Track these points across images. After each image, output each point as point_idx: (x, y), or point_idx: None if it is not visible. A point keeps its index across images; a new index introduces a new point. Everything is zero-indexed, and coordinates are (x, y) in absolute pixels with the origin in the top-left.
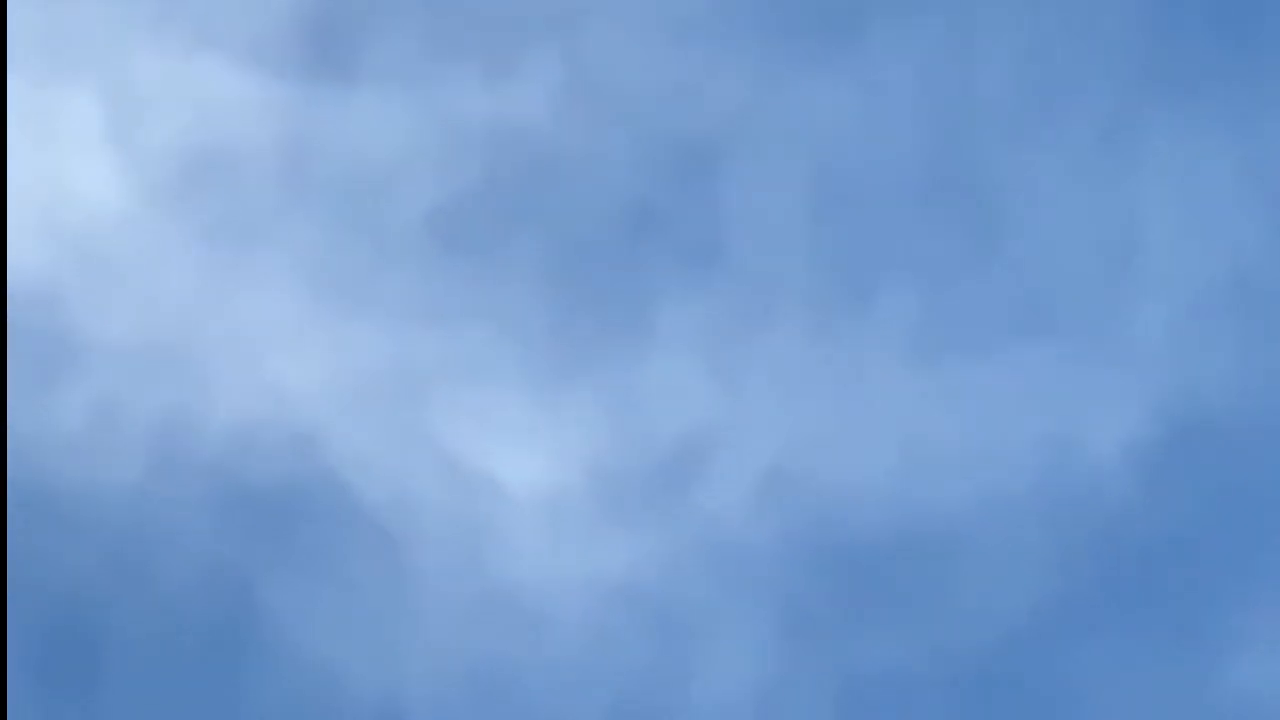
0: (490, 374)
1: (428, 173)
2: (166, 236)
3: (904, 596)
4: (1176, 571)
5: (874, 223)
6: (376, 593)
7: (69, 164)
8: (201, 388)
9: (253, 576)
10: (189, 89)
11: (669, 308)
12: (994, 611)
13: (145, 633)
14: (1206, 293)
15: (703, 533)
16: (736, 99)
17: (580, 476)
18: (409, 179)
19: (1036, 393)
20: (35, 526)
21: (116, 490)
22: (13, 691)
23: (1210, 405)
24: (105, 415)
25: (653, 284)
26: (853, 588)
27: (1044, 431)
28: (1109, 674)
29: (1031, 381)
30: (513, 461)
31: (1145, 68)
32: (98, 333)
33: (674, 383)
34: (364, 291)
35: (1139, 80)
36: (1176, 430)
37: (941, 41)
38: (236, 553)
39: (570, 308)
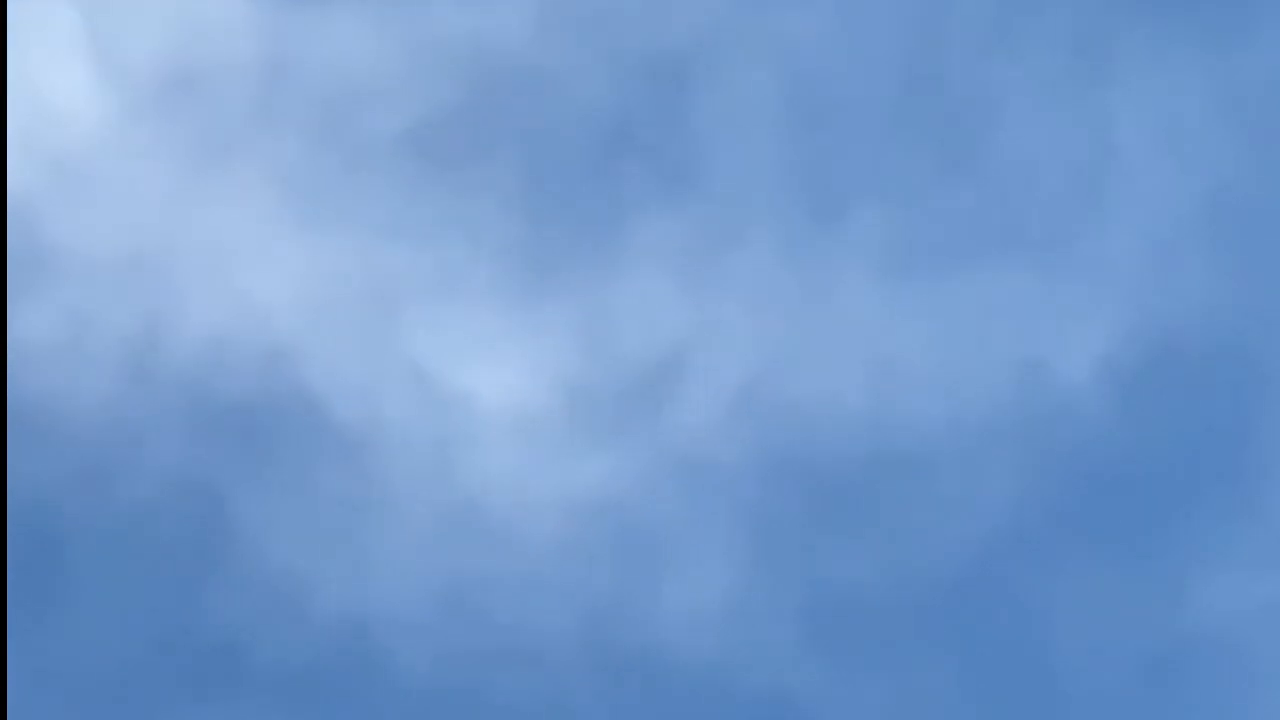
0: (463, 289)
1: (404, 89)
2: (142, 150)
3: (873, 514)
4: (1145, 492)
5: (846, 140)
6: (346, 507)
7: (47, 78)
8: (174, 301)
9: (223, 489)
10: (168, 5)
11: (642, 224)
12: (962, 530)
13: (115, 543)
14: (1180, 211)
15: (674, 449)
16: (711, 17)
17: (552, 392)
18: (385, 95)
19: (1008, 312)
20: (9, 436)
21: (88, 401)
22: None
23: (1183, 326)
24: (78, 327)
25: (626, 200)
26: (822, 505)
27: (1015, 351)
28: (1076, 592)
29: (1003, 300)
30: (484, 377)
31: None
32: (71, 245)
33: (647, 299)
34: (338, 206)
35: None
36: (1148, 351)
37: None
38: (207, 465)
39: (544, 224)
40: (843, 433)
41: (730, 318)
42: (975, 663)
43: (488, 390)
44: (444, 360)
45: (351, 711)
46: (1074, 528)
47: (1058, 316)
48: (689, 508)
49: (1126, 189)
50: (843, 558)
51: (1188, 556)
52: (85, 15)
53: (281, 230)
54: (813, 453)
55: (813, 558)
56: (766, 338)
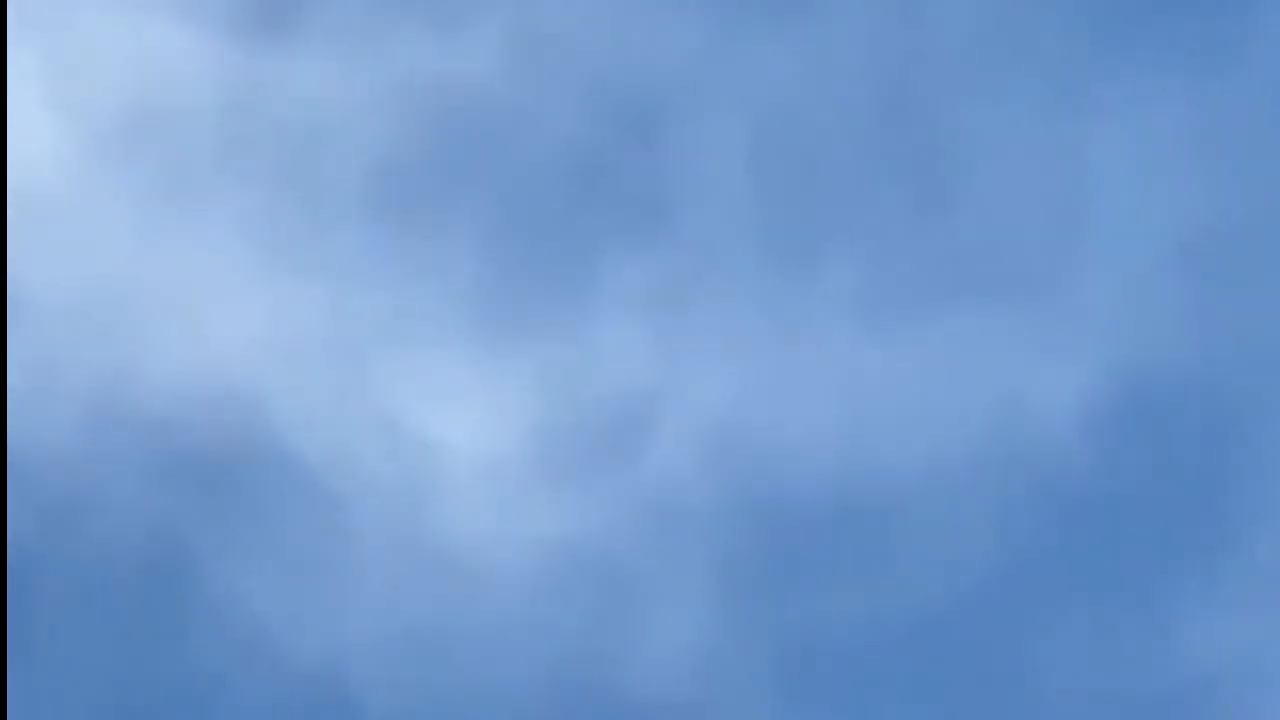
0: (432, 333)
1: (370, 130)
2: (106, 193)
3: (847, 558)
4: (1123, 535)
5: (820, 182)
6: (316, 552)
7: (10, 118)
8: (140, 346)
9: (191, 536)
10: (130, 45)
11: (613, 267)
12: (938, 574)
13: (82, 591)
14: (1155, 253)
15: (646, 494)
16: (682, 56)
17: (522, 437)
18: (351, 136)
19: (984, 354)
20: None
21: (54, 448)
22: None
23: (1158, 368)
24: (43, 373)
25: (597, 243)
26: (795, 549)
27: (991, 393)
28: (1054, 638)
29: (979, 343)
30: (454, 422)
31: (1096, 25)
32: (37, 290)
33: (617, 344)
34: (305, 250)
35: (1090, 38)
36: (1124, 393)
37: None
38: (174, 512)
39: (514, 267)
40: (817, 477)
41: (702, 361)
42: (950, 708)
43: (457, 435)
44: (413, 405)
45: None
46: (1051, 569)
47: (1034, 358)
48: (661, 552)
49: (1102, 230)
50: (816, 601)
51: (1165, 596)
52: (46, 57)
53: (247, 275)
54: (786, 496)
55: (786, 601)
56: (739, 381)
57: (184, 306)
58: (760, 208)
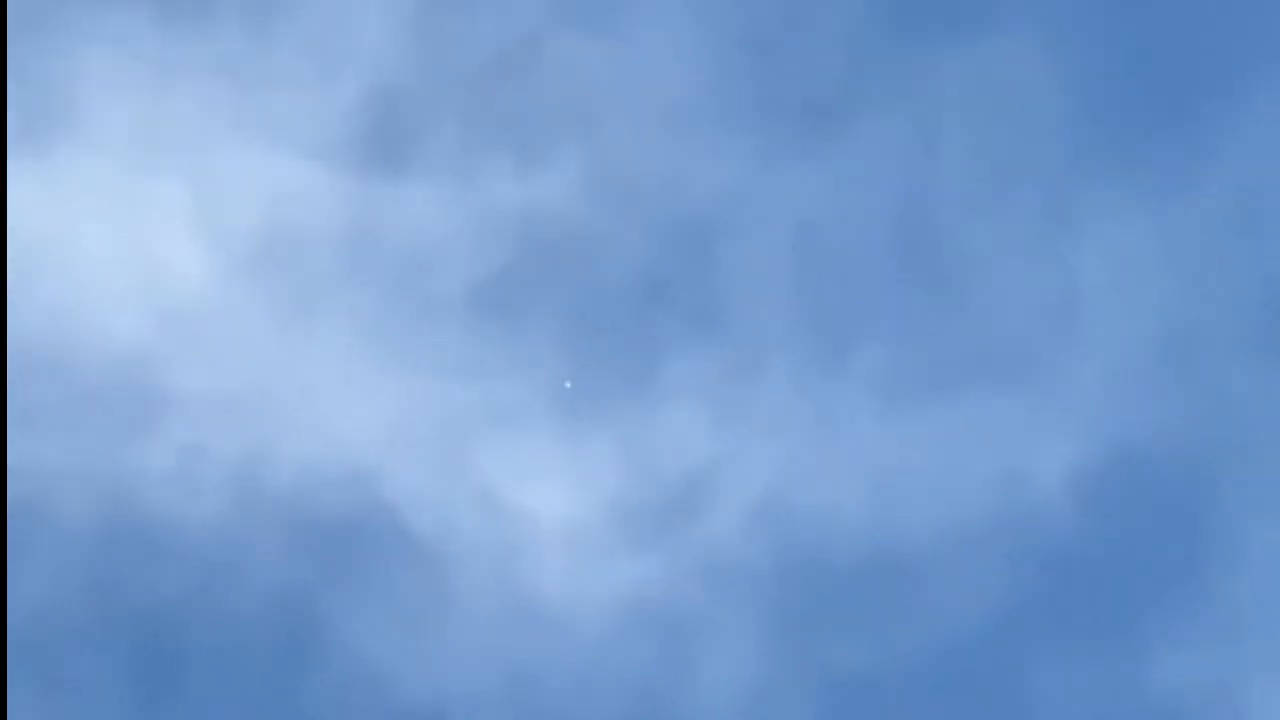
0: (521, 420)
1: (467, 250)
2: (244, 304)
3: (876, 609)
4: (1112, 586)
5: (850, 288)
6: (423, 609)
7: (161, 242)
8: (274, 433)
9: (317, 595)
10: (264, 179)
11: (674, 363)
12: (954, 622)
13: (225, 645)
14: (1136, 344)
15: (703, 555)
16: (731, 182)
17: (598, 507)
18: (451, 255)
19: (990, 432)
20: (132, 554)
21: (201, 522)
22: (107, 703)
23: (1140, 442)
24: (191, 457)
25: (660, 343)
26: (833, 601)
27: (997, 466)
28: (1054, 675)
29: (986, 423)
30: (540, 494)
31: (1082, 150)
32: (185, 387)
33: (679, 427)
34: (413, 351)
35: (1076, 166)
36: (1111, 464)
37: (907, 133)
38: (303, 575)
39: (589, 364)
40: (849, 538)
41: (751, 441)
42: None
43: (543, 506)
44: (505, 481)
45: None
46: (1050, 615)
47: (1033, 434)
48: (717, 605)
49: (1090, 325)
50: (851, 646)
51: (1144, 635)
52: (193, 188)
53: (364, 372)
54: (824, 556)
55: (825, 646)
56: (783, 457)
57: (312, 400)
58: (799, 309)
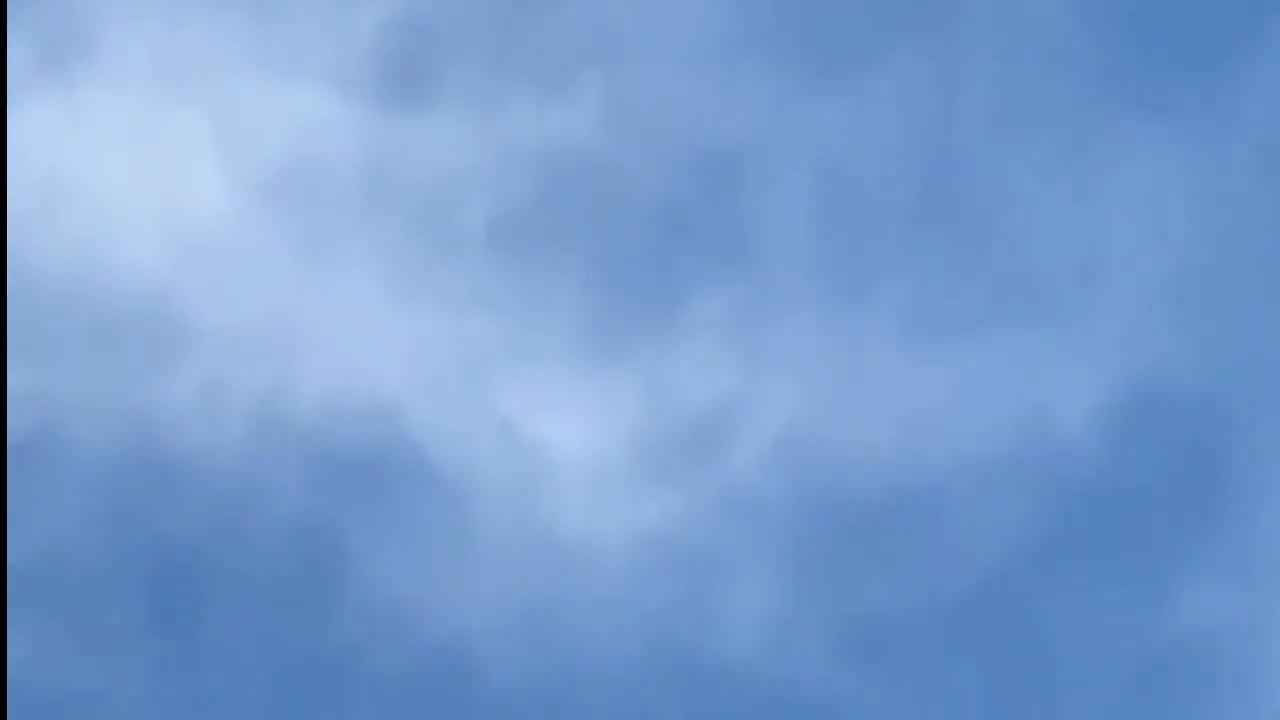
0: (542, 355)
1: (488, 183)
2: (264, 237)
3: (898, 546)
4: (1134, 522)
5: (873, 223)
6: (444, 542)
7: (181, 173)
8: (294, 366)
9: (338, 529)
10: (285, 111)
11: (696, 298)
12: (977, 559)
13: (246, 578)
14: (1161, 283)
15: (725, 491)
16: (755, 118)
17: (619, 442)
18: (472, 188)
19: (1014, 369)
20: (153, 486)
21: (222, 455)
22: (129, 632)
23: (1164, 379)
24: (212, 389)
25: (682, 278)
26: (854, 537)
27: (1021, 402)
28: (1075, 607)
29: (1010, 359)
30: (561, 429)
31: (1107, 87)
32: (206, 319)
33: (700, 362)
34: (434, 284)
35: (1102, 102)
36: (1135, 401)
37: (932, 68)
38: (325, 509)
39: (611, 299)
40: (872, 475)
41: (773, 377)
42: (989, 670)
43: (564, 440)
44: (527, 416)
45: (453, 713)
46: (1073, 551)
47: (1056, 371)
48: (739, 540)
49: (1115, 262)
50: (873, 582)
51: (1169, 571)
52: (213, 119)
53: (385, 305)
54: (846, 492)
55: (847, 583)
56: (805, 393)
57: (332, 332)
58: (822, 244)
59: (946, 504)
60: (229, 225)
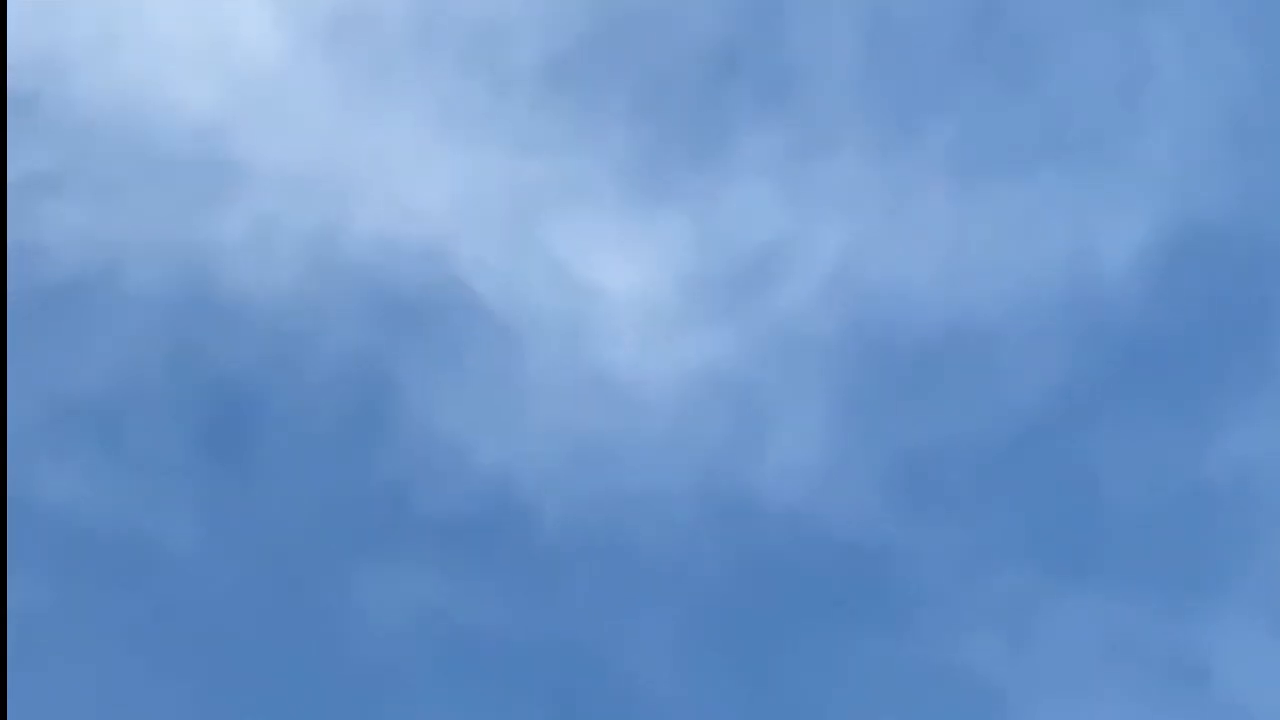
0: (592, 195)
1: (540, 23)
2: (318, 76)
3: (946, 384)
4: (1177, 361)
5: (922, 62)
6: (495, 381)
7: (235, 13)
8: (347, 205)
9: (389, 366)
10: None
11: (745, 137)
12: (1022, 395)
13: (298, 414)
14: (1207, 121)
15: (774, 328)
16: None
17: (668, 281)
18: (524, 28)
19: (1061, 210)
20: (206, 324)
21: (275, 292)
22: (183, 468)
23: (1209, 219)
24: (265, 228)
25: (732, 117)
26: (902, 377)
27: (1067, 243)
28: (1120, 451)
29: (1057, 200)
30: (611, 268)
31: None
32: (260, 158)
33: (749, 201)
34: (485, 124)
35: None
36: (1179, 240)
37: None
38: (376, 346)
39: (661, 138)
40: (919, 313)
41: (822, 216)
42: (1034, 508)
43: (614, 279)
44: (577, 255)
45: (503, 550)
46: (1117, 390)
47: (1103, 212)
48: (787, 378)
49: (1162, 102)
50: (920, 421)
51: (1210, 408)
52: None
53: (437, 145)
54: (893, 331)
55: (894, 421)
56: (853, 233)
57: (385, 172)
58: (870, 83)
59: (993, 343)
60: (283, 64)
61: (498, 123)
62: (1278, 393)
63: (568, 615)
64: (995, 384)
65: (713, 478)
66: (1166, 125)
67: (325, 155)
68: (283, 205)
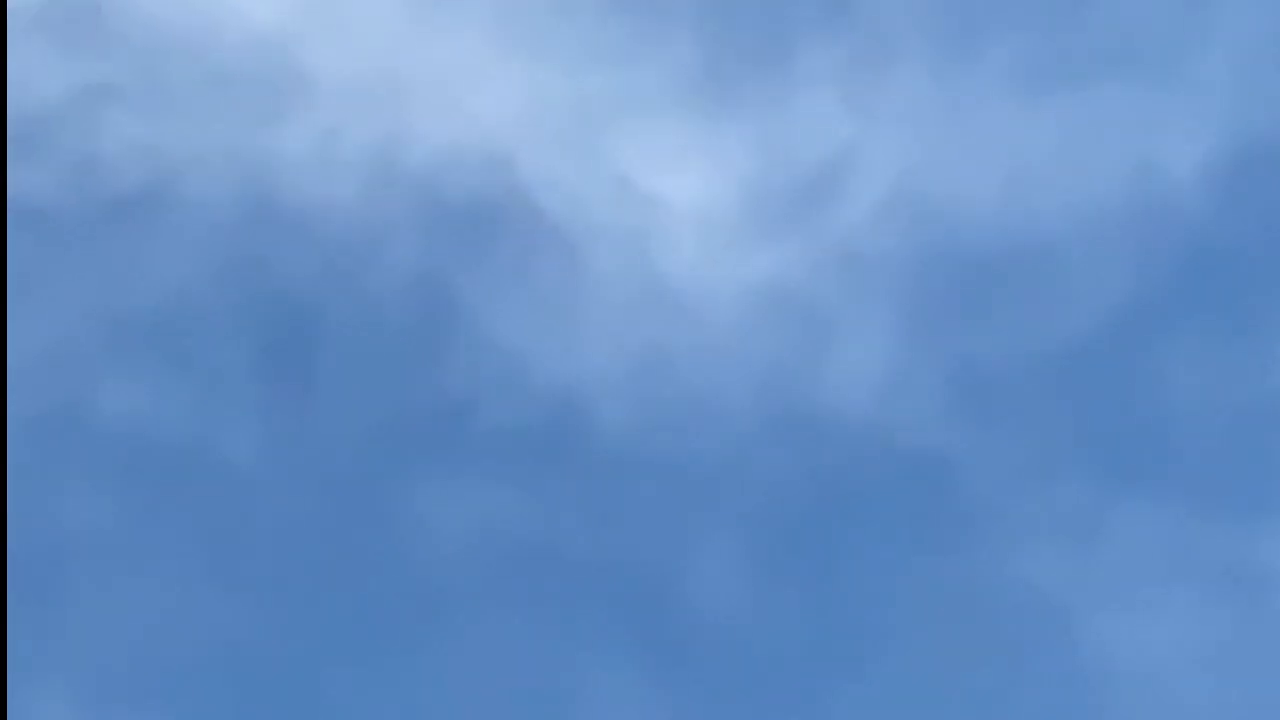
0: (655, 108)
1: None
2: None
3: (1009, 298)
4: (1240, 273)
5: None
6: (557, 292)
7: None
8: (409, 116)
9: (452, 278)
10: None
11: (808, 50)
12: (1086, 309)
13: (361, 327)
14: (1272, 34)
15: (836, 242)
16: None
17: (731, 194)
18: None
19: (1124, 123)
20: (269, 236)
21: (337, 204)
22: (245, 380)
23: (1272, 131)
24: (328, 140)
25: (795, 29)
26: (965, 290)
27: (1130, 156)
28: (1181, 360)
29: (1120, 113)
30: (674, 180)
31: None
32: (322, 70)
33: (812, 115)
34: (546, 38)
35: None
36: (1243, 153)
37: None
38: (438, 258)
39: (726, 51)
40: (982, 227)
41: (885, 129)
42: (1098, 419)
43: (676, 192)
44: (639, 167)
45: (564, 462)
46: (1180, 305)
47: (1166, 125)
48: (849, 292)
49: (1225, 17)
50: (983, 334)
51: (1275, 323)
52: None
53: (499, 57)
54: (956, 245)
55: (957, 334)
56: (917, 146)
57: (447, 84)
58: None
59: (1056, 256)
60: None
61: (561, 34)
62: None
63: (629, 527)
64: (1058, 297)
65: (774, 390)
66: (1231, 38)
67: (388, 67)
68: (345, 117)
